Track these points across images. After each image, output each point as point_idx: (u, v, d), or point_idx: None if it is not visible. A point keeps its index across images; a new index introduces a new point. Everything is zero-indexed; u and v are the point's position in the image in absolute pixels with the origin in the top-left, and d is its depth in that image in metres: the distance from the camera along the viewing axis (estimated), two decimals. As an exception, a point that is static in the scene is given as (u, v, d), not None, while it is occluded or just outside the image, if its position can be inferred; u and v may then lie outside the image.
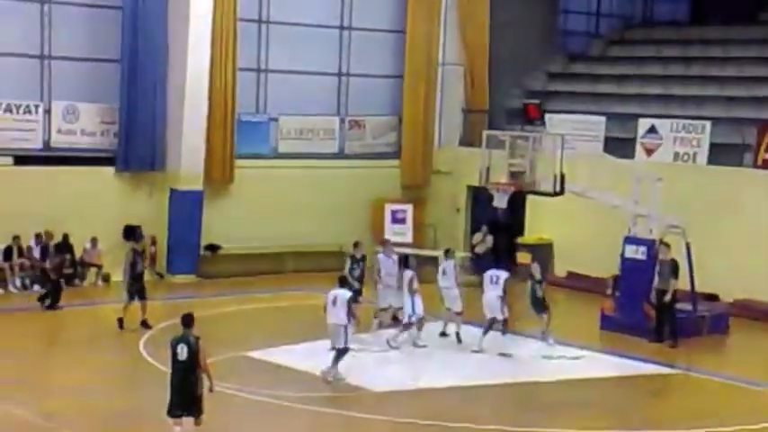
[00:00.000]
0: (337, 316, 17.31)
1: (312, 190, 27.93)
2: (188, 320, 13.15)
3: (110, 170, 25.72)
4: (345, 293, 17.50)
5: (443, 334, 20.92)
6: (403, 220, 28.66)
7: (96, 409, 15.39)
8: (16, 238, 24.03)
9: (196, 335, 13.03)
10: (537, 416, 15.93)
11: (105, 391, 16.41)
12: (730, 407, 17.08)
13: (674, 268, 21.03)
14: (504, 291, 19.89)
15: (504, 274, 20.06)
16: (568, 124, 27.47)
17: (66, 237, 24.61)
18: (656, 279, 21.13)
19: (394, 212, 28.71)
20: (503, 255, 28.96)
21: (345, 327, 17.27)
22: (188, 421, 13.06)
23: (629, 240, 22.38)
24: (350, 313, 17.27)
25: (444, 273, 21.17)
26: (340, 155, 29.36)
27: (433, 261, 29.13)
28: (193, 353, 12.84)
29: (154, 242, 25.96)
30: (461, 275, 21.91)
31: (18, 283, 23.97)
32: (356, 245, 21.95)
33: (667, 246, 21.09)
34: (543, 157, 22.96)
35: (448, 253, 21.67)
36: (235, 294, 24.07)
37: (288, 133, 28.59)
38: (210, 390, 13.08)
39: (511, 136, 24.03)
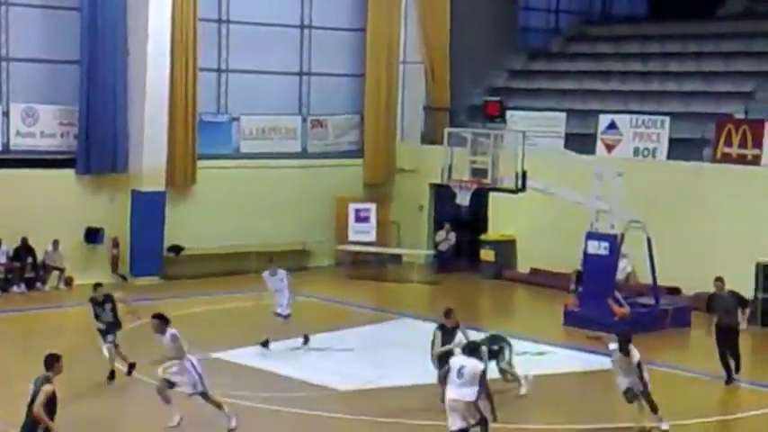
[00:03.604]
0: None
1: (275, 189, 27.89)
2: (48, 362, 11.55)
3: (70, 172, 25.56)
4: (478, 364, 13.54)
5: None
6: (366, 219, 28.71)
7: (62, 415, 15.28)
8: (-24, 241, 23.87)
9: (49, 376, 11.42)
10: (501, 412, 15.94)
11: (70, 398, 16.28)
12: (691, 400, 17.23)
13: (740, 300, 18.22)
14: (480, 391, 13.37)
15: (476, 366, 13.41)
16: (529, 121, 27.61)
17: (25, 240, 24.43)
18: (718, 316, 18.13)
19: (357, 211, 28.76)
20: (466, 252, 29.17)
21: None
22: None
23: (592, 236, 22.52)
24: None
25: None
26: (302, 154, 29.33)
27: (396, 259, 29.32)
28: (35, 395, 11.29)
29: (116, 244, 25.83)
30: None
31: (-22, 287, 23.84)
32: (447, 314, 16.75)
33: (721, 281, 18.28)
34: (505, 154, 23.09)
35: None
36: (199, 295, 24.01)
37: (250, 133, 28.52)
38: None
39: (473, 133, 24.15)
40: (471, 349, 13.70)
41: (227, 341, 19.70)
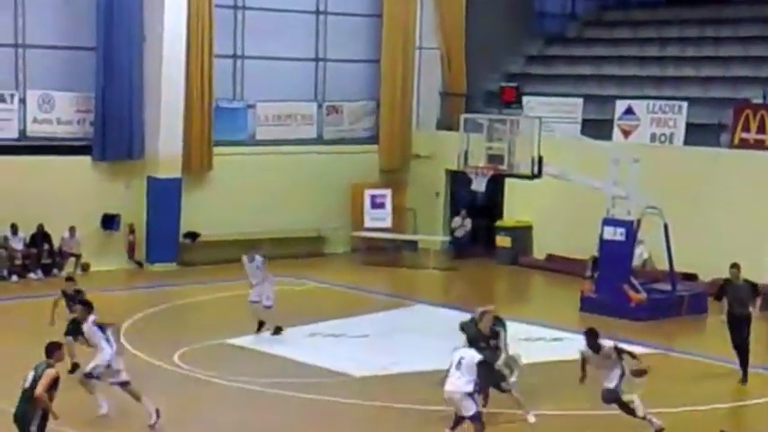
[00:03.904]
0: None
1: (291, 176, 27.88)
2: (50, 349, 11.65)
3: (86, 159, 25.60)
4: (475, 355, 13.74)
5: None
6: (382, 205, 28.68)
7: (73, 400, 15.36)
8: (-7, 228, 23.97)
9: (51, 363, 11.48)
10: (511, 397, 15.95)
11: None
12: (707, 386, 17.18)
13: (754, 288, 17.81)
14: (477, 383, 13.61)
15: (474, 357, 13.65)
16: (546, 107, 27.52)
17: (41, 226, 24.51)
18: (729, 305, 17.65)
19: (373, 197, 28.72)
20: (482, 238, 29.13)
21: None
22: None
23: (608, 222, 22.46)
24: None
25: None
26: (318, 140, 29.30)
27: (412, 245, 29.29)
28: (35, 380, 11.30)
29: (132, 231, 25.91)
30: None
31: (-4, 273, 23.93)
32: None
33: (737, 267, 17.73)
34: (521, 140, 23.02)
35: None
36: (214, 282, 24.03)
37: (265, 119, 28.51)
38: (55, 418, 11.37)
39: (489, 119, 24.10)
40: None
41: (243, 327, 19.69)
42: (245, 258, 19.65)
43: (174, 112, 26.10)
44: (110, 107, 25.50)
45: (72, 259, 24.92)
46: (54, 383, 11.15)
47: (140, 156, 25.99)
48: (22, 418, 11.11)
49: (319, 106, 29.44)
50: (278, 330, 19.35)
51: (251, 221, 26.93)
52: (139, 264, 25.85)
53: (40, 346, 16.80)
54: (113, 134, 25.62)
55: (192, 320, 19.07)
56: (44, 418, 11.15)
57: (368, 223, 28.47)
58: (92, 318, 14.91)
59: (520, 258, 27.79)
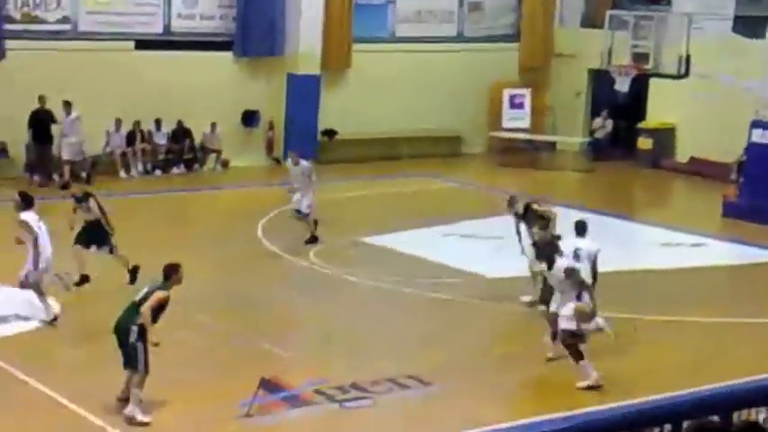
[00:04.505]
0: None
1: (429, 74, 27.62)
2: (167, 271, 11.37)
3: (228, 55, 25.83)
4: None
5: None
6: (521, 105, 28.20)
7: (218, 292, 15.77)
8: (137, 123, 24.45)
9: (164, 287, 11.25)
10: (650, 304, 15.71)
11: (226, 278, 16.76)
12: None
13: None
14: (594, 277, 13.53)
15: (592, 246, 13.80)
16: (696, 3, 26.38)
17: (180, 122, 24.94)
18: None
19: (512, 97, 28.24)
20: (622, 140, 28.47)
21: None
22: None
23: (756, 124, 21.65)
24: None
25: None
26: (458, 38, 28.90)
27: (550, 146, 28.84)
28: (146, 296, 11.17)
29: (271, 127, 26.16)
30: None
31: (140, 167, 24.48)
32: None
33: None
34: (668, 38, 22.31)
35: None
36: (351, 180, 24.15)
37: (406, 16, 28.23)
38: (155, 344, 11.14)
39: (635, 16, 23.46)
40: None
41: (379, 226, 19.81)
42: (289, 161, 19.17)
43: (314, 8, 26.06)
44: (252, 3, 25.57)
45: (212, 155, 25.36)
46: (161, 306, 11.10)
47: (281, 52, 26.08)
48: (122, 331, 11.09)
49: (461, 3, 28.93)
50: (313, 240, 18.44)
51: (388, 120, 26.89)
52: (277, 160, 26.13)
53: (177, 239, 17.32)
54: (255, 30, 25.74)
55: (327, 218, 19.19)
56: (142, 336, 11.03)
57: (506, 123, 28.07)
58: (23, 215, 13.92)
59: (661, 161, 27.08)
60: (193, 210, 22.17)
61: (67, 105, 22.71)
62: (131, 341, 11.01)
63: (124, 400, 11.31)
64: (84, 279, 15.33)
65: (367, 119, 26.63)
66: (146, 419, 11.05)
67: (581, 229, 13.94)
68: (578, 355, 12.46)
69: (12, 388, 12.07)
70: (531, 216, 15.40)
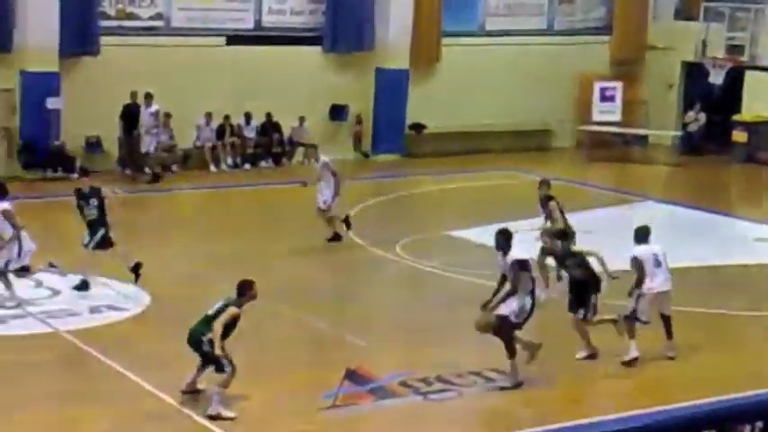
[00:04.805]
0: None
1: (518, 68, 27.43)
2: (241, 288, 11.30)
3: (317, 50, 25.96)
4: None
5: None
6: (612, 98, 27.84)
7: (303, 284, 15.87)
8: (227, 117, 24.71)
9: (237, 304, 11.21)
10: (743, 300, 15.40)
11: (311, 270, 16.84)
12: None
13: None
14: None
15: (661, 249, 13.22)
16: (794, -7, 25.83)
17: (269, 116, 25.13)
18: None
19: (603, 90, 27.93)
20: (716, 133, 27.93)
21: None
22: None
23: None
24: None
25: None
26: (548, 31, 28.65)
27: (642, 140, 28.41)
28: (219, 311, 11.16)
29: (359, 121, 26.24)
30: None
31: (230, 161, 24.74)
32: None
33: None
34: (765, 30, 21.81)
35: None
36: (438, 174, 24.12)
37: (495, 9, 28.10)
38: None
39: (730, 8, 22.98)
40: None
41: (466, 219, 19.72)
42: (312, 159, 18.92)
43: (404, 2, 26.10)
44: (341, -2, 25.71)
45: (301, 149, 25.51)
46: (233, 322, 11.15)
47: (370, 47, 26.15)
48: (194, 342, 11.23)
49: (551, -5, 28.71)
50: (335, 238, 18.02)
51: (477, 114, 26.79)
52: (365, 154, 26.22)
53: (264, 231, 17.42)
54: (344, 25, 25.84)
55: (415, 212, 19.24)
56: (213, 345, 11.05)
57: (596, 117, 27.76)
58: (3, 205, 14.06)
59: (757, 155, 26.49)
60: (281, 203, 22.32)
61: (148, 98, 22.87)
62: (205, 350, 11.19)
63: (189, 392, 11.52)
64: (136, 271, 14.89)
65: (455, 113, 26.55)
66: (231, 414, 11.16)
67: (645, 235, 13.30)
68: (513, 352, 12.12)
69: (102, 377, 12.30)
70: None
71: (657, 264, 12.90)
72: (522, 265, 12.07)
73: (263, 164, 25.16)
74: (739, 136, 26.72)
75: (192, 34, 24.53)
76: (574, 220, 20.01)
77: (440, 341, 13.72)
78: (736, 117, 27.03)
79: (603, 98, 27.80)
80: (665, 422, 6.26)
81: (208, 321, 11.19)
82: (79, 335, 13.39)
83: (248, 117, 25.04)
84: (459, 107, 26.60)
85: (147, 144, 22.95)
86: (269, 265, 15.96)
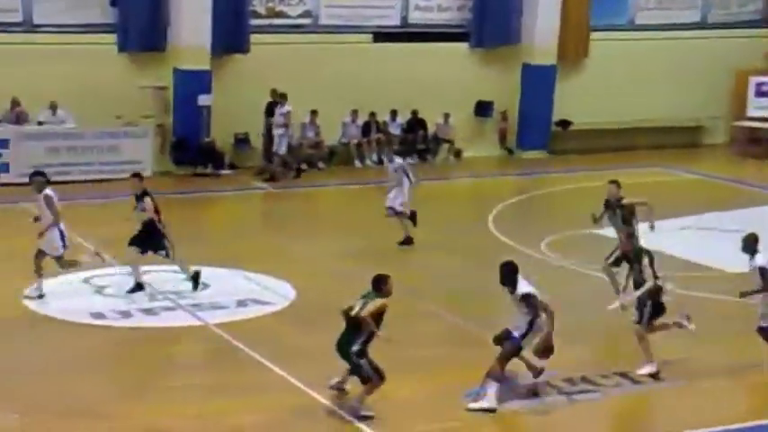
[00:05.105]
0: None
1: (670, 63, 26.87)
2: (377, 282, 11.21)
3: (463, 46, 25.90)
4: None
5: None
6: (768, 93, 27.04)
7: (448, 281, 15.84)
8: (373, 114, 24.86)
9: (379, 298, 11.09)
10: None
11: (456, 267, 16.79)
12: None
13: None
14: None
15: None
16: None
17: (415, 112, 25.16)
18: None
19: (758, 85, 27.19)
20: None
21: None
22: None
23: None
24: None
25: None
26: (701, 24, 27.94)
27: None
28: (362, 308, 11.05)
29: (505, 118, 26.08)
30: None
31: (374, 157, 24.88)
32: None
33: None
34: None
35: None
36: (584, 171, 23.74)
37: (646, 3, 27.57)
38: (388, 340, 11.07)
39: None
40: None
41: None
42: (386, 160, 18.29)
43: (552, -4, 25.85)
44: (488, -6, 25.58)
45: (445, 145, 25.50)
46: (380, 313, 11.08)
47: (517, 42, 25.96)
48: (342, 353, 11.19)
49: (709, -13, 28.02)
50: (407, 241, 17.65)
51: (625, 110, 26.34)
52: (510, 151, 26.04)
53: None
54: (491, 21, 25.73)
55: (560, 209, 18.98)
56: (366, 342, 11.08)
57: (751, 112, 27.04)
58: (47, 192, 14.21)
59: None
60: (425, 199, 22.29)
61: (282, 98, 22.79)
62: (353, 362, 11.18)
63: (336, 389, 11.61)
64: (140, 287, 14.71)
65: (603, 109, 26.16)
66: (370, 413, 11.21)
67: (753, 244, 12.76)
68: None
69: (248, 370, 12.50)
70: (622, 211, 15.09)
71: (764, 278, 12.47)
72: (532, 297, 11.74)
73: (408, 160, 25.16)
74: None
75: (339, 31, 24.77)
76: (725, 218, 19.62)
77: (585, 341, 13.50)
78: None
79: (759, 93, 27.04)
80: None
81: (356, 323, 11.08)
82: (226, 328, 13.65)
83: (394, 114, 25.13)
84: (608, 103, 26.18)
85: (278, 144, 22.98)
86: (413, 260, 15.96)
